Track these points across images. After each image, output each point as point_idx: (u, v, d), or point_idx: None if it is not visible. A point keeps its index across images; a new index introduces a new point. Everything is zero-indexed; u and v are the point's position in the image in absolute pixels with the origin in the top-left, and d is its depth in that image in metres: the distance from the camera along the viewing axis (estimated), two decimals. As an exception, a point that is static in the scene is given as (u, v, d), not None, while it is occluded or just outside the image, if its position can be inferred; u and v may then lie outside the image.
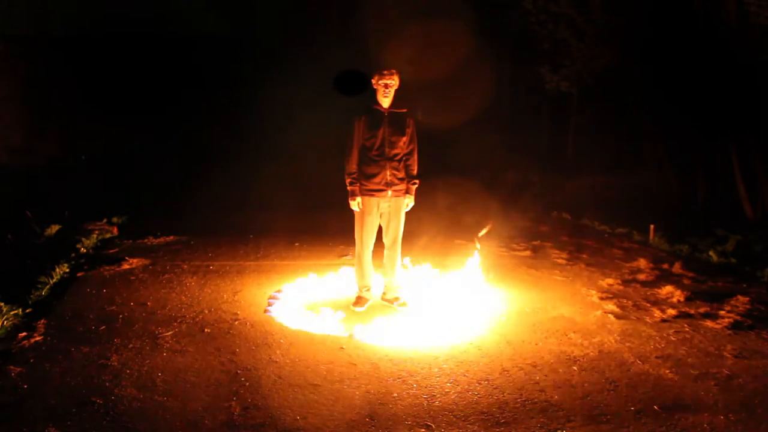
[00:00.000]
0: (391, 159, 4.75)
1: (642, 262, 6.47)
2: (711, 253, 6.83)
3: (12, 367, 3.60)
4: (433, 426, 3.06)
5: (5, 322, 4.27)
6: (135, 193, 11.11)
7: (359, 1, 13.06)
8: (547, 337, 4.34)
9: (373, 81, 4.69)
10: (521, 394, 3.42)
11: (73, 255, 6.40)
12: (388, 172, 4.74)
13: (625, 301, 5.18)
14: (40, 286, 5.17)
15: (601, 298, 5.25)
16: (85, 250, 6.69)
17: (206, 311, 4.75)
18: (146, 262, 6.27)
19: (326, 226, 8.03)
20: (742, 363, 3.91)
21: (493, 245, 7.25)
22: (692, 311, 4.93)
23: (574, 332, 4.43)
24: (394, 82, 4.66)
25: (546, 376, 3.67)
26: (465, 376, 3.65)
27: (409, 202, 4.91)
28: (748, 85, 8.28)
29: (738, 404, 3.34)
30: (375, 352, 3.97)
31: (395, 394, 3.38)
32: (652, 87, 10.21)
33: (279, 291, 5.31)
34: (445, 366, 3.78)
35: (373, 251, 4.99)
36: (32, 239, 7.01)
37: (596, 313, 4.88)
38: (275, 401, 3.27)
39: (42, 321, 4.38)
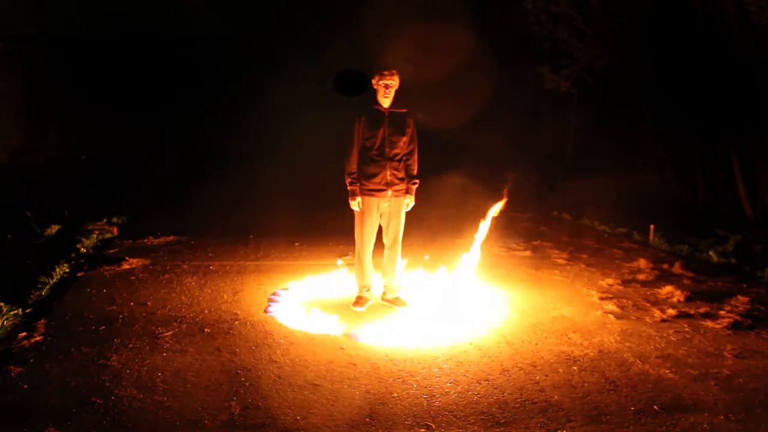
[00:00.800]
0: (392, 159, 4.75)
1: (642, 262, 6.47)
2: (711, 253, 6.83)
3: (12, 367, 3.60)
4: (433, 426, 3.06)
5: (5, 322, 4.27)
6: (135, 193, 11.11)
7: (359, 1, 13.06)
8: (547, 337, 4.34)
9: (374, 81, 4.69)
10: (521, 394, 3.42)
11: (73, 255, 6.40)
12: (388, 172, 4.74)
13: (625, 301, 5.18)
14: (40, 286, 5.17)
15: (601, 298, 5.25)
16: (85, 250, 6.69)
17: (206, 311, 4.75)
18: (146, 262, 6.27)
19: (326, 226, 8.04)
20: (742, 363, 3.91)
21: (493, 245, 7.26)
22: (692, 311, 4.93)
23: (574, 332, 4.43)
24: (394, 82, 4.66)
25: (546, 376, 3.67)
26: (465, 376, 3.65)
27: (409, 202, 4.91)
28: (748, 85, 8.27)
29: (738, 404, 3.34)
30: (375, 352, 3.97)
31: (395, 394, 3.38)
32: (652, 87, 10.21)
33: (279, 291, 5.32)
34: (445, 366, 3.78)
35: (373, 251, 4.99)
36: (32, 239, 7.01)
37: (596, 313, 4.88)
38: (275, 401, 3.27)
39: (42, 321, 4.38)
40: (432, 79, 11.92)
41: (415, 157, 4.88)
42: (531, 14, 11.00)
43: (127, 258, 6.29)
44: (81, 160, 14.98)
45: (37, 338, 4.06)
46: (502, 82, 13.86)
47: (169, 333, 4.25)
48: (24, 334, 4.12)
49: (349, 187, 4.78)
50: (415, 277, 5.71)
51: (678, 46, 9.22)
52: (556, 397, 3.39)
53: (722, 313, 4.86)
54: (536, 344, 4.20)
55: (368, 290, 5.01)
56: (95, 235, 7.30)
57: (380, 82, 4.65)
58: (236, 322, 4.51)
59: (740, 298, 5.18)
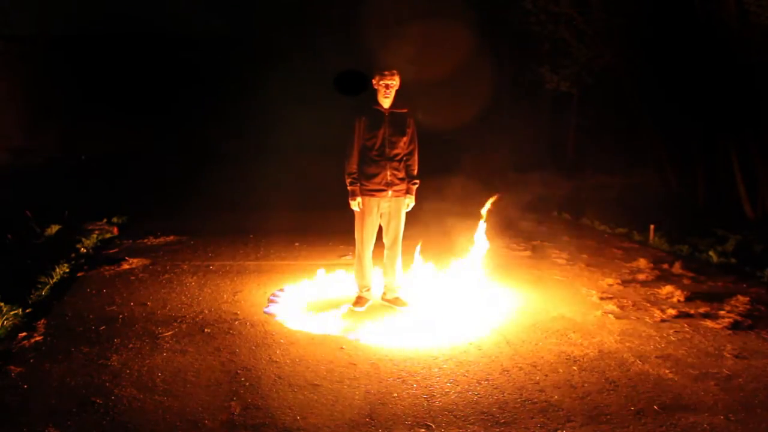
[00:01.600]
0: (392, 159, 4.75)
1: (642, 262, 6.47)
2: (711, 253, 6.83)
3: (12, 367, 3.60)
4: (433, 426, 3.06)
5: (5, 322, 4.27)
6: (135, 193, 11.11)
7: (360, 1, 13.06)
8: (547, 337, 4.34)
9: (374, 81, 4.69)
10: (521, 394, 3.42)
11: (73, 255, 6.40)
12: (388, 172, 4.74)
13: (625, 301, 5.18)
14: (40, 286, 5.17)
15: (601, 298, 5.25)
16: (85, 250, 6.69)
17: (206, 311, 4.75)
18: (146, 262, 6.27)
19: (326, 226, 8.03)
20: (742, 363, 3.91)
21: (493, 245, 7.25)
22: (692, 311, 4.92)
23: (574, 332, 4.43)
24: (394, 82, 4.66)
25: (546, 376, 3.67)
26: (465, 376, 3.65)
27: (409, 202, 4.91)
28: (748, 85, 8.28)
29: (738, 404, 3.34)
30: (375, 352, 3.97)
31: (395, 394, 3.38)
32: (652, 87, 10.21)
33: (279, 291, 5.32)
34: (445, 366, 3.78)
35: (373, 251, 4.99)
36: (32, 239, 7.02)
37: (596, 313, 4.88)
38: (275, 401, 3.27)
39: (42, 321, 4.38)
40: (432, 79, 11.92)
41: (416, 157, 4.88)
42: (531, 14, 11.01)
43: (127, 258, 6.29)
44: (81, 160, 14.99)
45: (37, 338, 4.06)
46: (502, 82, 13.87)
47: (169, 333, 4.25)
48: (24, 334, 4.12)
49: (349, 188, 4.78)
50: (415, 277, 5.70)
51: (678, 46, 9.22)
52: (556, 397, 3.39)
53: (722, 313, 4.85)
54: (536, 344, 4.19)
55: (368, 290, 5.01)
56: (95, 235, 7.30)
57: (381, 83, 4.65)
58: (236, 322, 4.51)
59: (740, 298, 5.18)
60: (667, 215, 8.64)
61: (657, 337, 4.34)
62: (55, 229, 7.38)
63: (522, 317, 4.76)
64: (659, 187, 10.95)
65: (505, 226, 8.36)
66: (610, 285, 5.70)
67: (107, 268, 5.97)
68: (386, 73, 4.62)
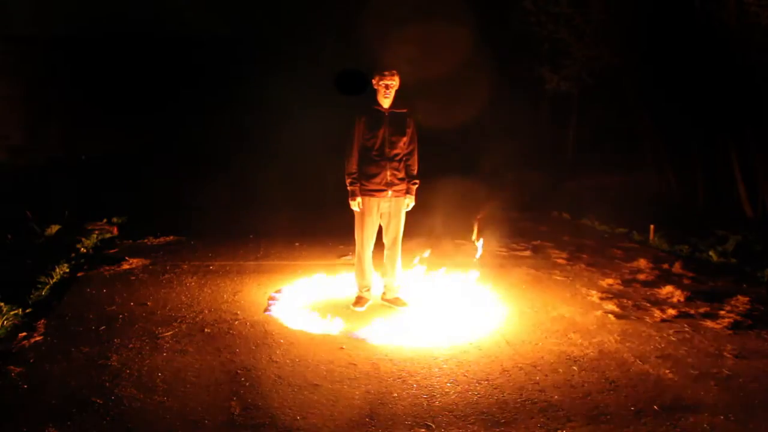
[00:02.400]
0: (392, 159, 4.75)
1: (642, 262, 6.47)
2: (711, 253, 6.83)
3: (12, 367, 3.60)
4: (433, 426, 3.06)
5: (5, 322, 4.27)
6: (135, 193, 11.11)
7: (360, 1, 13.06)
8: (547, 337, 4.34)
9: (374, 81, 4.69)
10: (521, 394, 3.42)
11: (73, 255, 6.39)
12: (388, 173, 4.74)
13: (625, 301, 5.18)
14: (40, 286, 5.17)
15: (601, 298, 5.25)
16: (85, 250, 6.69)
17: (206, 311, 4.75)
18: (146, 262, 6.27)
19: (326, 226, 8.03)
20: (742, 363, 3.91)
21: (493, 245, 7.26)
22: (692, 311, 4.93)
23: (574, 332, 4.43)
24: (394, 82, 4.66)
25: (546, 376, 3.67)
26: (465, 376, 3.65)
27: (409, 202, 4.91)
28: (748, 85, 8.28)
29: (738, 404, 3.34)
30: (375, 352, 3.97)
31: (395, 394, 3.38)
32: (652, 87, 10.21)
33: (279, 291, 5.32)
34: (445, 366, 3.78)
35: (373, 251, 4.99)
36: (32, 239, 7.01)
37: (596, 313, 4.88)
38: (275, 401, 3.27)
39: (42, 321, 4.38)
40: (432, 79, 11.92)
41: (415, 157, 4.88)
42: (531, 14, 11.00)
43: (127, 258, 6.29)
44: (81, 160, 14.99)
45: (37, 338, 4.06)
46: (502, 82, 13.86)
47: (169, 333, 4.25)
48: (24, 334, 4.12)
49: (349, 188, 4.78)
50: (415, 277, 5.71)
51: (678, 46, 9.22)
52: (556, 397, 3.39)
53: (722, 313, 4.86)
54: (536, 344, 4.20)
55: (368, 290, 5.01)
56: (95, 235, 7.30)
57: (380, 83, 4.65)
58: (236, 322, 4.51)
59: (740, 298, 5.18)
60: (667, 215, 8.64)
61: (657, 337, 4.34)
62: (55, 229, 7.38)
63: (522, 317, 4.76)
64: (659, 187, 10.95)
65: (506, 226, 8.36)
66: (610, 285, 5.70)
67: (107, 268, 5.97)
68: (386, 73, 4.62)
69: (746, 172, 8.78)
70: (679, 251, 7.13)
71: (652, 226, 7.84)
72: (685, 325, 4.59)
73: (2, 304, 4.44)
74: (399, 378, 3.59)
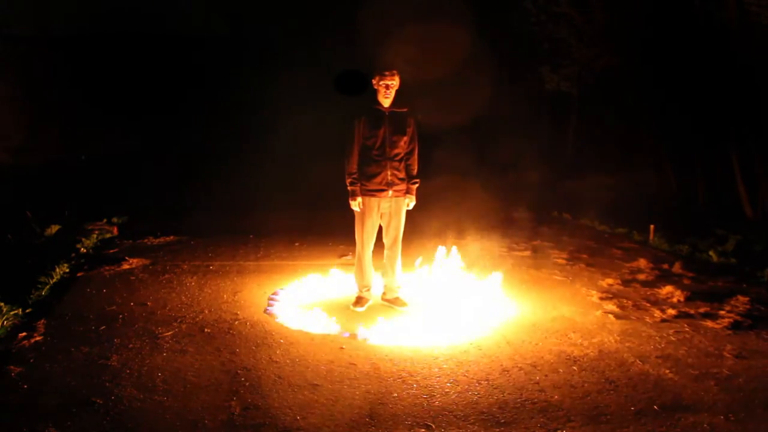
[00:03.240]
0: (392, 159, 4.75)
1: (642, 262, 6.47)
2: (711, 253, 6.83)
3: (12, 367, 3.60)
4: (433, 426, 3.06)
5: (5, 322, 4.27)
6: (135, 193, 11.11)
7: (360, 1, 13.06)
8: (547, 337, 4.34)
9: (374, 81, 4.69)
10: (521, 394, 3.42)
11: (73, 255, 6.40)
12: (388, 172, 4.74)
13: (625, 301, 5.18)
14: (40, 286, 5.17)
15: (601, 298, 5.25)
16: (85, 250, 6.69)
17: (206, 311, 4.75)
18: (146, 262, 6.27)
19: (326, 226, 8.03)
20: (742, 363, 3.91)
21: (494, 245, 7.26)
22: (692, 311, 4.92)
23: (574, 332, 4.43)
24: (394, 82, 4.65)
25: (546, 376, 3.67)
26: (465, 376, 3.65)
27: (410, 201, 4.91)
28: (748, 85, 8.28)
29: (738, 404, 3.34)
30: (375, 352, 3.97)
31: (395, 394, 3.38)
32: (652, 87, 10.21)
33: (279, 291, 5.31)
34: (445, 366, 3.78)
35: (374, 251, 4.99)
36: (32, 239, 7.01)
37: (596, 313, 4.88)
38: (275, 401, 3.27)
39: (42, 321, 4.38)
40: (432, 79, 11.92)
41: (416, 156, 4.88)
42: (531, 14, 11.01)
43: (127, 258, 6.29)
44: (81, 160, 14.99)
45: (37, 338, 4.06)
46: (502, 82, 13.86)
47: (169, 333, 4.25)
48: (24, 334, 4.12)
49: (349, 188, 4.78)
50: (415, 277, 5.70)
51: (678, 46, 9.23)
52: (556, 397, 3.39)
53: (722, 313, 4.85)
54: (536, 344, 4.19)
55: (368, 290, 5.01)
56: (95, 235, 7.30)
57: (381, 83, 4.65)
58: (236, 322, 4.51)
59: (740, 298, 5.18)
60: (667, 215, 8.64)
61: (657, 337, 4.34)
62: (55, 229, 7.38)
63: (522, 317, 4.76)
64: (659, 187, 10.95)
65: (506, 226, 8.36)
66: (610, 285, 5.70)
67: (107, 268, 5.97)
68: (386, 73, 4.62)
69: (746, 172, 8.78)
70: (679, 251, 7.13)
71: (652, 226, 7.84)
72: (685, 325, 4.59)
73: (2, 304, 4.44)
74: (399, 378, 3.59)
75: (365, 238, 4.88)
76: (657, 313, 4.85)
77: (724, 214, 8.84)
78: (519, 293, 5.41)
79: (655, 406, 3.30)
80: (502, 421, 3.12)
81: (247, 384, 3.47)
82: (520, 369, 3.76)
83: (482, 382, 3.57)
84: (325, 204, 8.82)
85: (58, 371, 3.58)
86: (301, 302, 5.03)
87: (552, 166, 13.32)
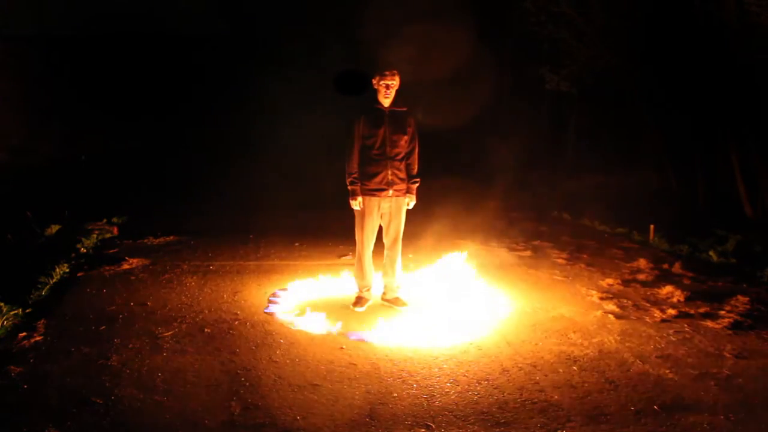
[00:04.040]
0: (393, 158, 4.75)
1: (642, 262, 6.47)
2: (711, 253, 6.83)
3: (12, 367, 3.60)
4: (433, 426, 3.06)
5: (5, 322, 4.27)
6: (135, 193, 11.11)
7: (360, 1, 13.06)
8: (547, 337, 4.34)
9: (374, 81, 4.69)
10: (521, 394, 3.42)
11: (73, 255, 6.39)
12: (389, 172, 4.74)
13: (625, 301, 5.18)
14: (40, 286, 5.17)
15: (601, 298, 5.25)
16: (85, 250, 6.69)
17: (206, 311, 4.75)
18: (146, 262, 6.27)
19: (326, 226, 8.03)
20: (742, 363, 3.91)
21: (493, 245, 7.26)
22: (692, 311, 4.92)
23: (574, 332, 4.43)
24: (395, 82, 4.65)
25: (546, 376, 3.67)
26: (465, 376, 3.65)
27: (410, 201, 4.91)
28: (748, 85, 8.27)
29: (738, 404, 3.34)
30: (375, 352, 3.97)
31: (395, 394, 3.38)
32: (651, 87, 10.21)
33: (279, 291, 5.31)
34: (445, 366, 3.78)
35: (374, 251, 4.99)
36: (32, 239, 7.01)
37: (596, 313, 4.88)
38: (275, 401, 3.27)
39: (42, 321, 4.38)
40: (432, 79, 11.93)
41: (416, 156, 4.88)
42: (531, 14, 11.01)
43: (127, 258, 6.29)
44: (81, 160, 14.99)
45: (37, 338, 4.06)
46: (502, 82, 13.87)
47: (169, 333, 4.25)
48: (24, 334, 4.12)
49: (349, 187, 4.78)
50: (415, 277, 5.71)
51: (678, 46, 9.22)
52: (556, 397, 3.39)
53: (722, 313, 4.85)
54: (536, 344, 4.19)
55: (368, 290, 5.01)
56: (95, 235, 7.30)
57: (381, 83, 4.65)
58: (236, 322, 4.51)
59: (740, 298, 5.18)
60: (667, 215, 8.64)
61: (657, 337, 4.34)
62: (55, 229, 7.38)
63: (522, 317, 4.76)
64: (659, 187, 10.95)
65: (506, 226, 8.37)
66: (610, 285, 5.70)
67: (107, 268, 5.97)
68: (386, 73, 4.62)
69: (746, 172, 8.77)
70: (679, 251, 7.13)
71: (652, 226, 7.84)
72: (685, 325, 4.59)
73: (2, 304, 4.44)
74: (399, 378, 3.59)
75: (365, 237, 4.88)
76: (657, 313, 4.85)
77: (724, 214, 8.84)
78: (519, 293, 5.41)
79: (655, 406, 3.30)
80: (502, 421, 3.12)
81: (247, 384, 3.47)
82: (520, 369, 3.76)
83: (482, 382, 3.57)
84: (325, 204, 8.82)
85: (58, 371, 3.58)
86: (301, 302, 5.02)
87: (552, 166, 13.32)
